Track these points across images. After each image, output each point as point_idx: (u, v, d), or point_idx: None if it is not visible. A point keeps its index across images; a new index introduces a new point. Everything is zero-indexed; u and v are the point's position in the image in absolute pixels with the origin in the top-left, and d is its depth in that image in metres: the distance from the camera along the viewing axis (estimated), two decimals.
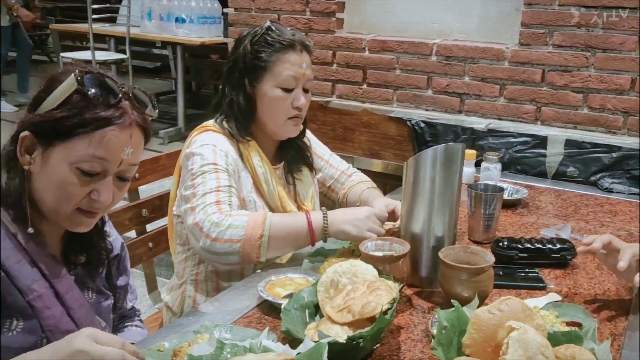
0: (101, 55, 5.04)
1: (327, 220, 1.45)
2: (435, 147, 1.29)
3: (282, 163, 1.71)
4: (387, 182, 2.47)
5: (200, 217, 1.43)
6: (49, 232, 1.09)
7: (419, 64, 2.47)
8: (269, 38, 1.56)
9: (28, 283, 1.02)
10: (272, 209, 1.63)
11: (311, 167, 1.77)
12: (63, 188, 1.02)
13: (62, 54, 5.17)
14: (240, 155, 1.60)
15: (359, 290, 1.12)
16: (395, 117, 2.52)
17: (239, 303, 1.28)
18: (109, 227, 1.26)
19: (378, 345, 1.10)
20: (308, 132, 1.80)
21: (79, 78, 0.99)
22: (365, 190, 1.79)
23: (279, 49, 1.56)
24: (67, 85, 1.00)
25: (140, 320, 1.40)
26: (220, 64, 5.53)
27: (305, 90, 1.61)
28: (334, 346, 0.97)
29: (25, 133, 1.02)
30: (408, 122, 2.48)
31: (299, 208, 1.70)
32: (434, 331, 1.09)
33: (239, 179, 1.58)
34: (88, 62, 4.78)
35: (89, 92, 0.99)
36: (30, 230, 1.04)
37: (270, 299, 1.23)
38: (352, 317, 1.06)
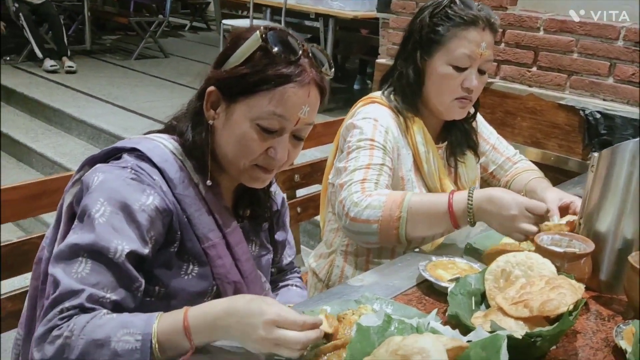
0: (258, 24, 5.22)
1: (472, 203, 1.31)
2: (638, 139, 1.14)
3: (445, 143, 1.64)
4: (546, 175, 2.29)
5: (344, 195, 1.41)
6: (224, 184, 1.13)
7: (602, 48, 2.23)
8: (450, 11, 1.47)
9: (205, 231, 1.07)
10: (430, 190, 1.57)
11: (476, 152, 1.67)
12: (243, 143, 1.04)
13: (223, 21, 5.43)
14: (404, 132, 1.55)
15: (536, 285, 1.03)
16: (566, 105, 2.31)
17: (398, 280, 1.25)
18: (275, 187, 1.28)
19: (554, 347, 1.01)
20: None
21: (263, 35, 1.00)
22: (533, 180, 1.66)
23: (458, 24, 1.46)
24: (252, 42, 1.01)
25: (300, 279, 1.41)
26: (369, 38, 5.49)
27: (482, 72, 1.50)
28: (508, 340, 0.90)
29: (211, 88, 1.05)
30: (581, 112, 2.26)
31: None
32: (621, 343, 0.98)
33: (398, 157, 1.53)
34: None
35: (272, 49, 1.00)
36: (209, 182, 1.08)
37: (432, 279, 1.18)
38: (528, 313, 0.98)
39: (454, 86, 1.49)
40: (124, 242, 0.95)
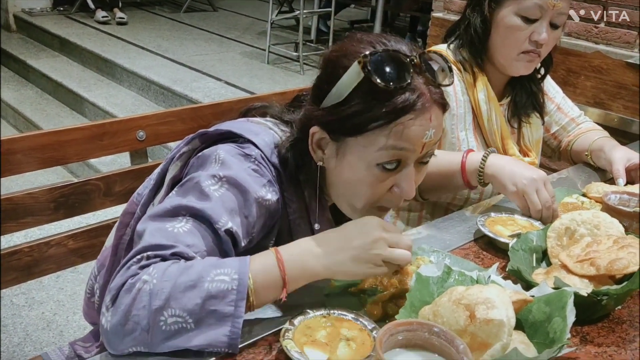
0: None
1: (485, 161, 1.27)
2: None
3: (508, 99, 1.56)
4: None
5: None
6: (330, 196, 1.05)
7: None
8: None
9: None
10: None
11: (542, 114, 1.59)
12: (361, 188, 0.93)
13: None
14: (466, 88, 1.49)
15: (603, 244, 1.00)
16: (634, 64, 2.18)
17: (454, 234, 1.23)
18: None
19: (618, 307, 0.98)
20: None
21: (364, 66, 0.86)
22: (599, 139, 1.59)
23: None
24: (353, 75, 0.87)
25: None
26: None
27: (554, 26, 1.41)
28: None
29: (314, 129, 0.94)
30: None
31: (522, 151, 1.56)
32: None
33: (452, 117, 1.47)
34: None
35: (379, 82, 0.85)
36: (317, 226, 1.00)
37: (491, 235, 1.16)
38: (595, 271, 0.95)
39: (522, 38, 1.40)
40: (230, 221, 0.88)
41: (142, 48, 5.02)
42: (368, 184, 0.93)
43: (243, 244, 0.91)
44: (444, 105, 0.93)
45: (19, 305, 2.30)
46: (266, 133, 0.99)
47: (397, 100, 0.86)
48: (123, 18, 5.75)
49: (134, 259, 0.81)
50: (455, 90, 1.48)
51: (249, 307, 0.81)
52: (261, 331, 0.86)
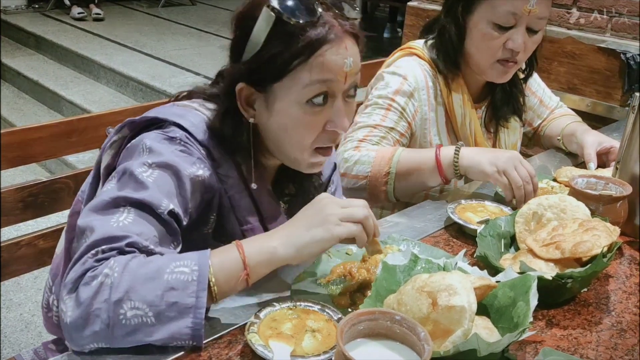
0: None
1: (458, 154, 1.27)
2: None
3: (486, 101, 1.53)
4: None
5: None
6: (268, 164, 1.07)
7: None
8: None
9: (245, 214, 1.02)
10: None
11: (521, 117, 1.57)
12: (297, 131, 0.96)
13: None
14: (440, 90, 1.45)
15: (569, 228, 1.00)
16: (606, 49, 2.20)
17: (425, 222, 1.23)
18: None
19: (585, 289, 0.99)
20: None
21: (273, 8, 0.89)
22: (572, 123, 1.60)
23: None
24: (265, 20, 0.91)
25: None
26: None
27: (532, 31, 1.35)
28: (537, 281, 0.88)
29: (240, 85, 0.95)
30: (622, 55, 2.15)
31: None
32: None
33: (425, 122, 1.45)
34: None
35: (290, 19, 0.89)
36: (254, 186, 1.01)
37: (461, 222, 1.16)
38: (560, 255, 0.96)
39: (495, 47, 1.35)
40: (170, 203, 0.88)
41: (120, 44, 4.96)
42: (302, 125, 0.95)
43: (184, 223, 0.93)
44: (356, 36, 0.96)
45: None
46: (192, 114, 0.99)
47: (312, 35, 0.90)
48: (99, 14, 5.67)
49: (89, 254, 0.80)
50: (429, 93, 1.45)
51: (213, 299, 0.81)
52: (227, 325, 0.86)
